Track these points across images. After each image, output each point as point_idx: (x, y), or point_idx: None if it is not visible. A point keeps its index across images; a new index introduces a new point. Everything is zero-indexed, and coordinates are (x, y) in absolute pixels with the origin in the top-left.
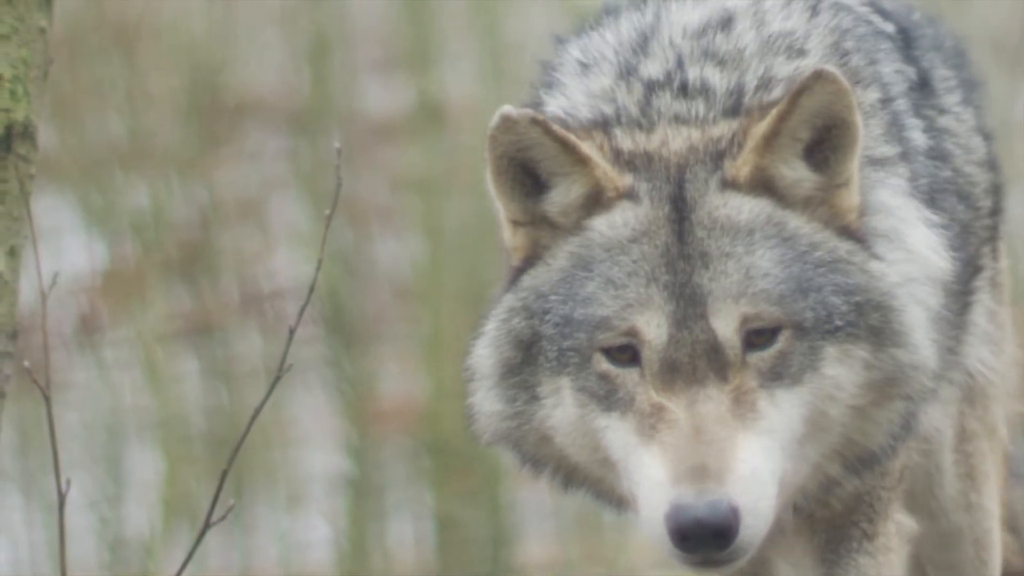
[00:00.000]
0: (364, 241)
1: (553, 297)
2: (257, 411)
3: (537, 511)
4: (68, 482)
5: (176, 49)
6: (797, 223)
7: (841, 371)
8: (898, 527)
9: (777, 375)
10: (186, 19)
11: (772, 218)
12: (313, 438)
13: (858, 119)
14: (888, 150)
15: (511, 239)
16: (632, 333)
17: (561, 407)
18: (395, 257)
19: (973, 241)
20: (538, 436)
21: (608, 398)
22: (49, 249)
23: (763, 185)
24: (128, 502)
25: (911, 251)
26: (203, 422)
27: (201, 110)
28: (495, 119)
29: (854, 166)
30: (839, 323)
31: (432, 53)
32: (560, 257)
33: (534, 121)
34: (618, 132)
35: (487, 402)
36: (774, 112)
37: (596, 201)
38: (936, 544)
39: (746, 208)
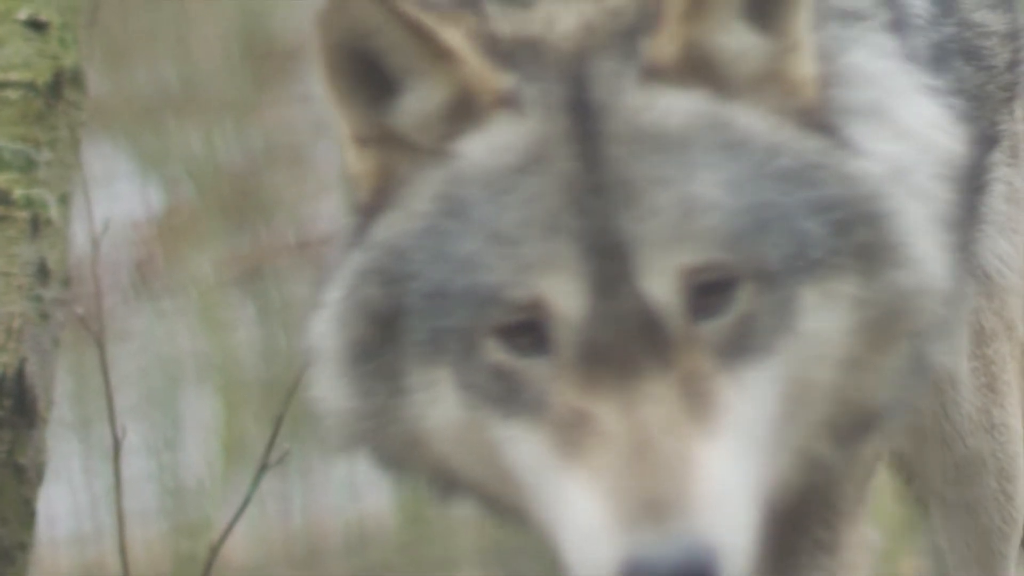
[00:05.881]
0: None
1: (418, 256)
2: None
3: None
4: (124, 429)
5: None
6: (747, 119)
7: (824, 320)
8: (865, 540)
9: (741, 348)
10: None
11: (714, 117)
12: None
13: None
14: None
15: (355, 163)
16: (536, 306)
17: (439, 405)
18: None
19: (988, 107)
20: (407, 438)
21: (508, 399)
22: (103, 196)
23: (698, 68)
24: (186, 447)
25: (904, 130)
26: (260, 366)
27: (252, 54)
28: None
29: (803, 20)
30: (816, 254)
31: None
32: (422, 197)
33: None
34: (492, 10)
35: (335, 396)
36: None
37: (465, 112)
38: (950, 478)
39: (678, 106)
